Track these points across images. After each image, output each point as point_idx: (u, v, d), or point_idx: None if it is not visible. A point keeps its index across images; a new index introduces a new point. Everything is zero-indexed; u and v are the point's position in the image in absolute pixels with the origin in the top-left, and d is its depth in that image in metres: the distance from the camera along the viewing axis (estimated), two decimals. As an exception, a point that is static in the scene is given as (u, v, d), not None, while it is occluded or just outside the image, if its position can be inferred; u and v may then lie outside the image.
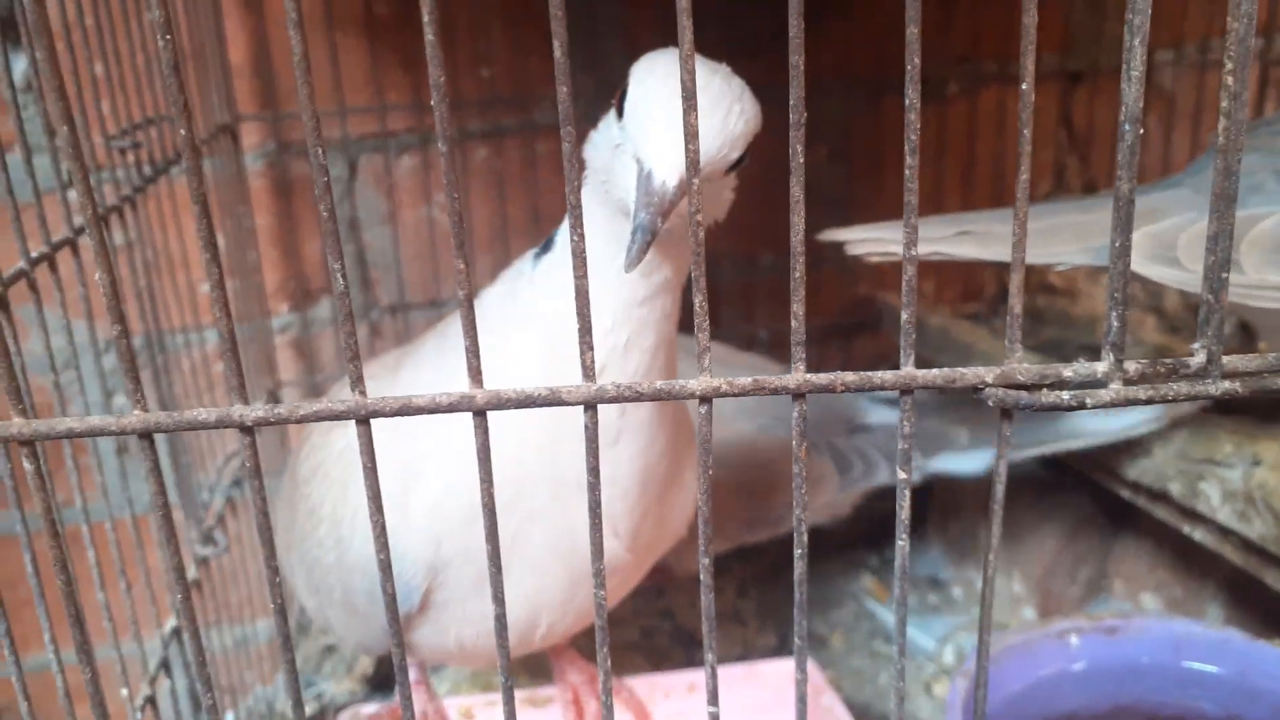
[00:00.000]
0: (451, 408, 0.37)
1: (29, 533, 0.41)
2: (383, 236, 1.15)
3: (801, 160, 0.37)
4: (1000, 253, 0.77)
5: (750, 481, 0.93)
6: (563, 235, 0.60)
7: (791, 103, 0.36)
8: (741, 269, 1.24)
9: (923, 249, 0.79)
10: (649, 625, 1.02)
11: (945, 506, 1.15)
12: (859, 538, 1.17)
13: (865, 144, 1.19)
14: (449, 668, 0.97)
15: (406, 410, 0.37)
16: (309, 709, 1.01)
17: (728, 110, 0.50)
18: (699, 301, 0.38)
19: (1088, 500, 1.05)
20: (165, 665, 0.71)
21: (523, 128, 1.15)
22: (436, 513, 0.60)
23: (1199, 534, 0.83)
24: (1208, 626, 0.72)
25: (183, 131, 0.34)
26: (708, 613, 0.41)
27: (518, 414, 0.42)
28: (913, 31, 0.35)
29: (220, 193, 1.03)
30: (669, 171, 0.48)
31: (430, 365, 0.64)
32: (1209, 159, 0.84)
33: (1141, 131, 0.37)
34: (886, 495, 0.97)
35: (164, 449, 0.84)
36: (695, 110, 0.36)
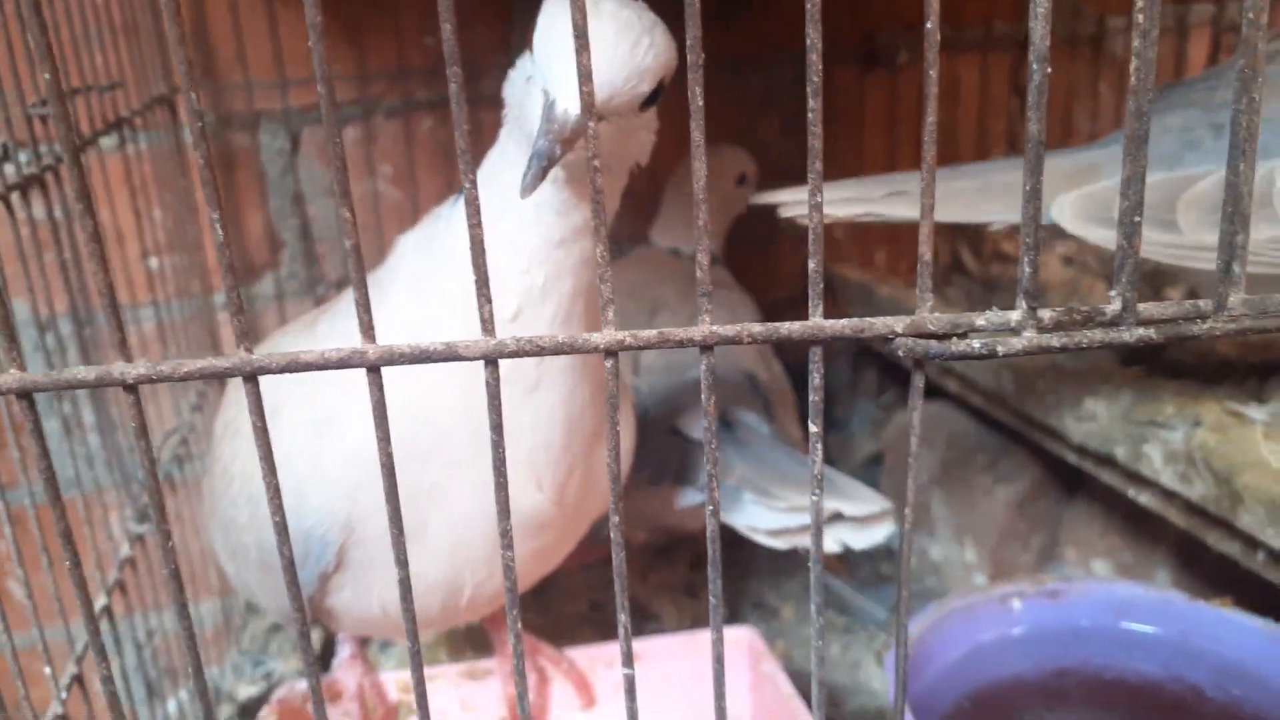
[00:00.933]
0: (342, 363, 0.36)
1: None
2: (327, 209, 1.13)
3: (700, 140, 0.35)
4: (954, 212, 0.77)
5: None
6: (480, 175, 0.59)
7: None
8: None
9: (856, 209, 0.78)
10: (598, 599, 1.01)
11: (899, 479, 1.14)
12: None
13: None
14: (396, 645, 0.96)
15: (294, 366, 0.36)
16: (257, 688, 0.99)
17: (635, 42, 0.49)
18: (600, 251, 0.37)
19: (1040, 468, 1.05)
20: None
21: (470, 98, 1.12)
22: (351, 465, 0.58)
23: (1144, 497, 0.83)
24: (1149, 589, 0.72)
25: (192, 99, 0.32)
26: (619, 571, 0.40)
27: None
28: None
29: (158, 166, 1.00)
30: (571, 99, 0.47)
31: (344, 319, 0.62)
32: None
33: (1048, 70, 0.36)
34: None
35: (92, 424, 0.82)
36: (588, 50, 0.35)
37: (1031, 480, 1.05)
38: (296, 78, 1.07)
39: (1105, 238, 0.71)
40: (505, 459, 0.38)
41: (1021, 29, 1.21)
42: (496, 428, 0.37)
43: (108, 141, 0.87)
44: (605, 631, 0.96)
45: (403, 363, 0.36)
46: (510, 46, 1.12)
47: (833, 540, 0.78)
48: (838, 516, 0.78)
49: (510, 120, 0.57)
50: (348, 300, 0.65)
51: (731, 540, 1.10)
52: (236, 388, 0.67)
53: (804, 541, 0.81)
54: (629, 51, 0.49)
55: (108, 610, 0.72)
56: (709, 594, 0.41)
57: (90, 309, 0.84)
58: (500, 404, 0.37)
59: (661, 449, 0.90)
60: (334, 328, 0.62)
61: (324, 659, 1.00)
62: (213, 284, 1.11)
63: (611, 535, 0.40)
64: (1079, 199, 0.72)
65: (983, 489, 1.06)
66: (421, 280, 0.58)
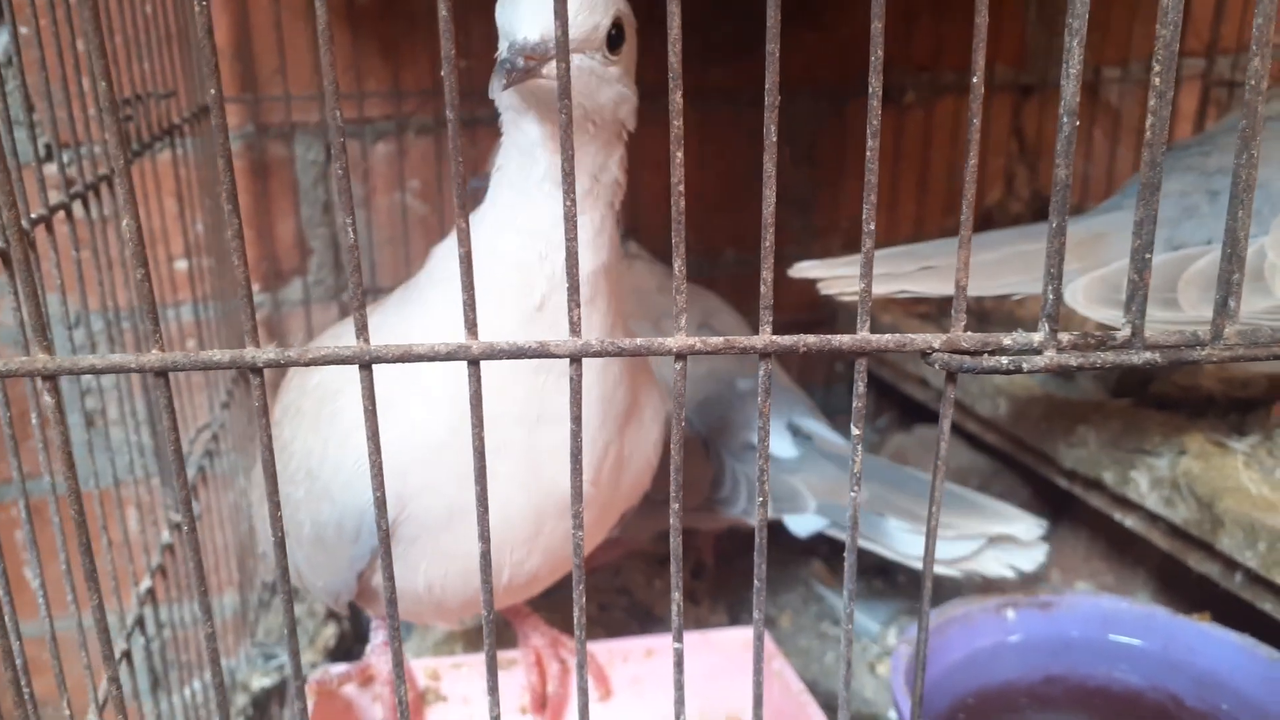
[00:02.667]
0: (450, 356, 0.41)
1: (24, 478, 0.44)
2: (357, 220, 1.17)
3: (774, 137, 0.40)
4: (971, 287, 0.80)
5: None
6: (495, 178, 0.64)
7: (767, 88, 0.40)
8: (706, 265, 1.28)
9: (889, 287, 0.81)
10: (606, 600, 1.06)
11: (894, 497, 1.19)
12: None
13: (830, 148, 1.24)
14: (414, 636, 1.00)
15: (408, 357, 0.40)
16: (272, 679, 1.03)
17: None
18: (677, 265, 0.41)
19: (1028, 492, 1.11)
20: (140, 624, 0.74)
21: (495, 117, 1.17)
22: (403, 445, 0.61)
23: (1130, 520, 0.88)
24: (1134, 603, 0.78)
25: (212, 102, 0.37)
26: (676, 554, 0.45)
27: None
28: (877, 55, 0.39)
29: (200, 172, 1.05)
30: (529, 29, 0.52)
31: (423, 312, 0.66)
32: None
33: (1077, 123, 0.41)
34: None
35: (145, 418, 0.86)
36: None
37: (1020, 503, 1.10)
38: (333, 93, 1.12)
39: (1115, 318, 0.75)
40: (581, 446, 0.42)
41: (1021, 74, 1.27)
42: (577, 419, 0.42)
43: (160, 146, 0.92)
44: (613, 630, 1.00)
45: (501, 358, 0.41)
46: (539, 72, 1.17)
47: (1001, 564, 0.83)
48: (1003, 538, 0.83)
49: (504, 115, 0.62)
50: (409, 300, 0.69)
51: (729, 550, 1.15)
52: (298, 374, 0.71)
53: (978, 567, 0.84)
54: None
55: (151, 593, 0.76)
56: (754, 578, 0.46)
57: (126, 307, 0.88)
58: (580, 398, 0.42)
59: (705, 467, 0.95)
60: (415, 323, 0.66)
61: (341, 655, 1.04)
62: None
63: (671, 522, 0.44)
64: (1090, 283, 0.76)
65: (974, 510, 1.11)
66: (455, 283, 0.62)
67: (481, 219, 0.63)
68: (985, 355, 0.43)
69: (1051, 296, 0.42)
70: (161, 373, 0.40)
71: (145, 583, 0.76)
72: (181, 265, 1.09)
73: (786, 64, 1.22)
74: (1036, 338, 0.43)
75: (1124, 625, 0.77)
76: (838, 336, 0.43)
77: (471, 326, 0.41)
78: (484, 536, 0.43)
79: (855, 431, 0.44)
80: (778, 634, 1.07)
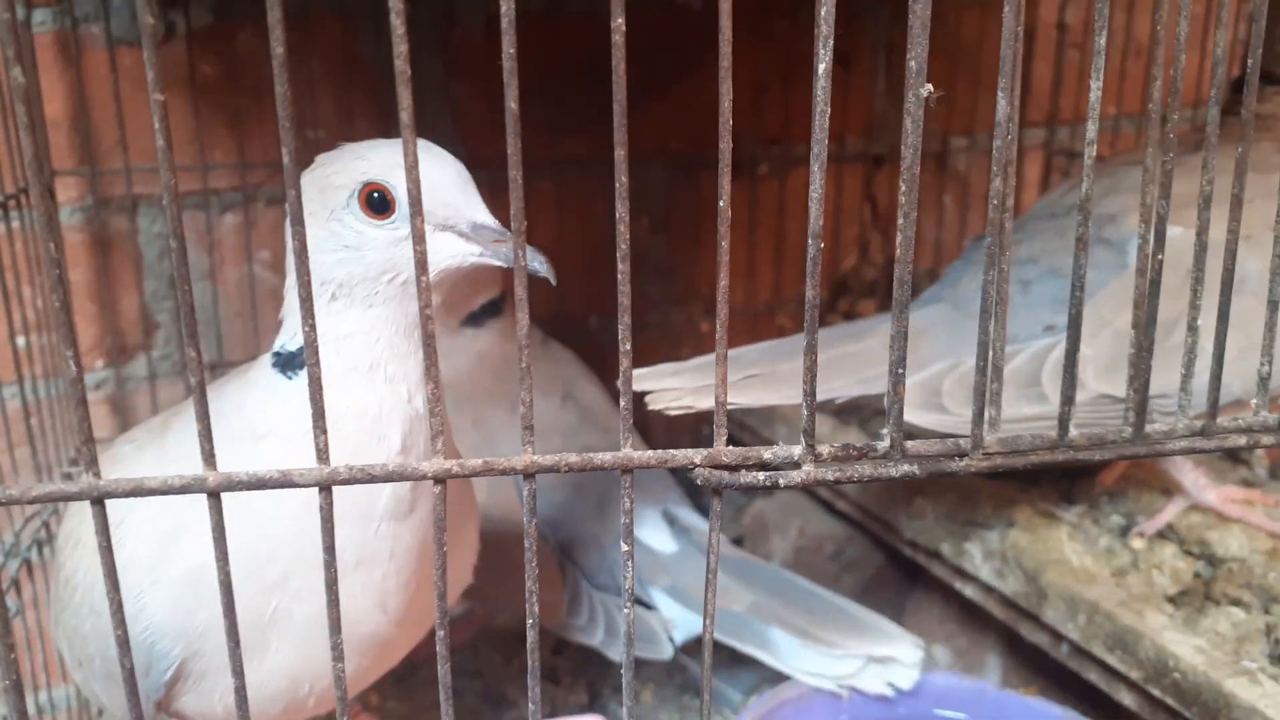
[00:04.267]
0: (185, 489, 0.39)
1: None
2: (204, 293, 1.14)
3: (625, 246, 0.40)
4: (789, 395, 0.80)
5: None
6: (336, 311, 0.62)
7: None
8: (571, 331, 1.28)
9: (709, 401, 0.79)
10: (458, 685, 1.03)
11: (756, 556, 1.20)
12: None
13: (684, 216, 1.25)
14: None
15: (139, 491, 0.39)
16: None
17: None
18: (430, 389, 0.41)
19: (883, 556, 1.12)
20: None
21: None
22: (193, 581, 0.59)
23: (969, 590, 0.90)
24: (963, 678, 0.79)
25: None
26: (443, 681, 0.44)
27: (291, 492, 0.43)
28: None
29: (31, 248, 1.01)
30: (485, 213, 0.60)
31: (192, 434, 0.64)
32: (964, 263, 0.91)
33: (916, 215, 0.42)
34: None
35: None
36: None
37: (875, 567, 1.12)
38: (177, 164, 1.09)
39: (934, 421, 0.76)
40: (336, 578, 0.41)
41: (870, 144, 1.30)
42: (329, 549, 0.41)
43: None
44: (461, 717, 0.98)
45: (241, 489, 0.39)
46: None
47: (882, 682, 0.83)
48: (885, 658, 0.84)
49: (342, 271, 0.59)
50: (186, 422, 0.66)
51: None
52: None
53: (859, 685, 0.84)
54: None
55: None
56: (529, 700, 0.45)
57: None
58: (333, 526, 0.41)
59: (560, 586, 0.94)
60: (182, 441, 0.64)
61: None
62: (82, 364, 1.11)
63: (439, 650, 0.43)
64: (911, 388, 0.77)
65: (831, 575, 1.12)
66: (275, 403, 0.61)
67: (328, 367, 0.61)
68: (744, 470, 0.43)
69: (806, 412, 0.43)
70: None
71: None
72: (22, 343, 1.04)
73: (639, 135, 1.22)
74: (796, 451, 0.44)
75: (953, 700, 0.78)
76: (599, 455, 0.43)
77: (209, 459, 0.39)
78: (236, 672, 0.42)
79: (624, 547, 0.44)
80: (640, 709, 1.06)
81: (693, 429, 1.33)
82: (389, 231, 0.58)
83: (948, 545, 0.88)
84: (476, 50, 1.18)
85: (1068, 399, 0.46)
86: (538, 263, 0.58)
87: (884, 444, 0.44)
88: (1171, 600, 0.79)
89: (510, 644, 1.10)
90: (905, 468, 0.44)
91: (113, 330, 1.13)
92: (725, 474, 0.43)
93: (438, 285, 0.59)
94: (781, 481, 0.43)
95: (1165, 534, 0.85)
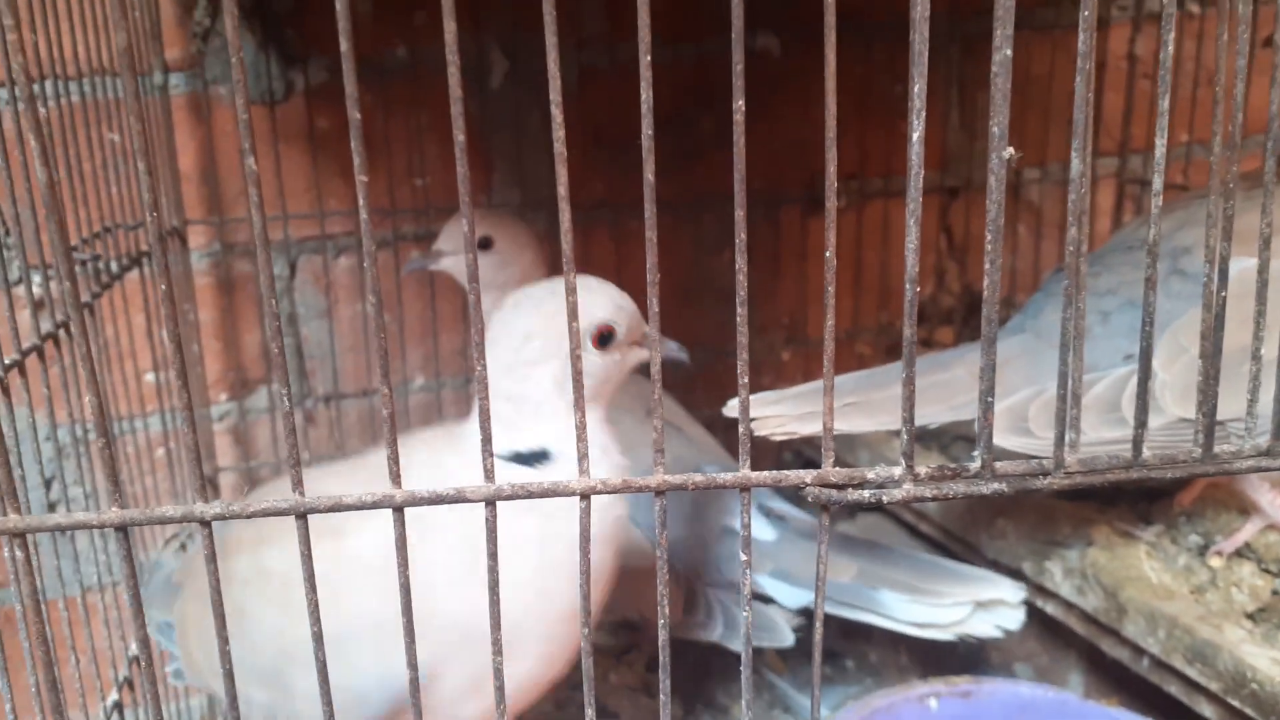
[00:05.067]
0: (375, 505, 0.46)
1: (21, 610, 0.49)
2: (320, 330, 1.23)
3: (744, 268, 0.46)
4: (885, 422, 0.84)
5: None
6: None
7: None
8: (665, 363, 1.35)
9: (815, 427, 0.83)
10: (561, 697, 1.09)
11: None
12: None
13: (763, 249, 1.31)
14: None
15: (339, 507, 0.46)
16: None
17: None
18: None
19: (965, 576, 1.16)
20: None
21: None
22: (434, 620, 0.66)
23: (1050, 607, 0.94)
24: (1048, 689, 0.82)
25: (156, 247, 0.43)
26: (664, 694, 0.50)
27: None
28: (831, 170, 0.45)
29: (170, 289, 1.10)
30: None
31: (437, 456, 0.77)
32: (1044, 295, 0.94)
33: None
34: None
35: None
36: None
37: (958, 588, 1.16)
38: (296, 212, 1.19)
39: (1023, 444, 0.80)
40: (498, 581, 0.48)
41: (945, 176, 1.35)
42: (493, 555, 0.47)
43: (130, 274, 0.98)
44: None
45: (422, 504, 0.46)
46: (491, 189, 1.24)
47: (990, 626, 0.90)
48: (991, 602, 0.90)
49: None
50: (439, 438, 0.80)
51: (681, 645, 1.19)
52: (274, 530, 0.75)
53: (970, 630, 0.91)
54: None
55: (119, 706, 0.80)
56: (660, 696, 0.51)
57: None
58: (496, 534, 0.47)
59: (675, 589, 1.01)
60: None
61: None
62: (208, 396, 1.20)
63: (660, 667, 0.49)
64: (999, 414, 0.81)
65: (914, 595, 1.16)
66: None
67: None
68: (851, 489, 0.49)
69: (906, 437, 0.48)
70: (121, 528, 0.46)
71: (113, 695, 0.80)
72: (150, 378, 1.14)
73: (721, 174, 1.29)
74: (897, 472, 0.49)
75: (1039, 712, 0.82)
76: (722, 475, 0.49)
77: (396, 478, 0.46)
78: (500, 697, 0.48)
79: (744, 557, 0.50)
80: (731, 723, 1.11)
81: (773, 450, 1.39)
82: (609, 359, 0.75)
83: (1029, 564, 0.92)
84: (569, 100, 1.25)
85: (1140, 422, 0.51)
86: (678, 352, 0.79)
87: (975, 464, 0.50)
88: (1250, 617, 0.82)
89: (608, 661, 1.16)
90: (995, 485, 0.49)
91: (236, 366, 1.22)
92: (834, 492, 0.49)
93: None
94: (885, 498, 0.48)
95: (1243, 553, 0.88)
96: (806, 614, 1.02)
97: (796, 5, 1.22)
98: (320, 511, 0.46)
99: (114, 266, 0.93)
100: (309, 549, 0.46)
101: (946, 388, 0.87)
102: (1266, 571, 0.86)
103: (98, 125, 0.93)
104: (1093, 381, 0.83)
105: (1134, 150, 1.37)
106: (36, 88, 0.85)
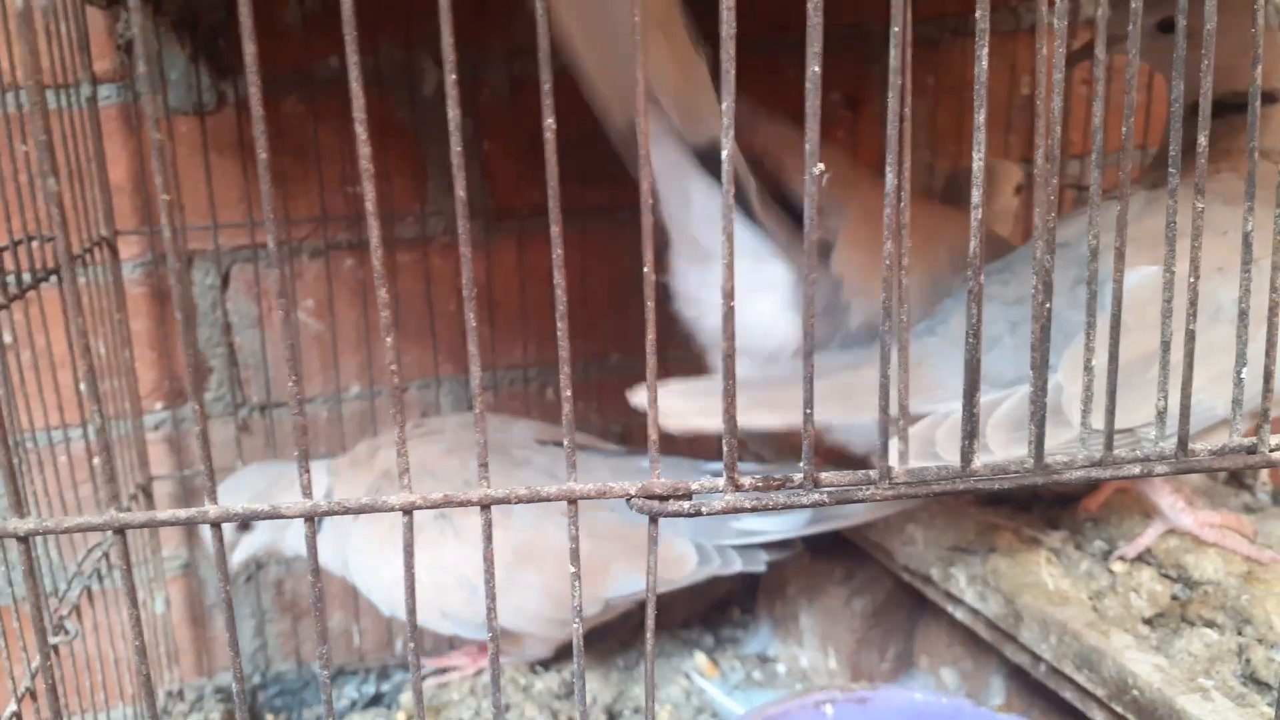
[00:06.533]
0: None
1: None
2: (253, 339, 1.24)
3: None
4: (790, 418, 0.81)
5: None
6: None
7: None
8: (593, 367, 1.35)
9: (716, 422, 0.83)
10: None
11: (771, 588, 1.25)
12: (695, 617, 1.27)
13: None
14: None
15: (348, 510, 0.46)
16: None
17: None
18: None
19: (892, 581, 1.16)
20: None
21: (387, 241, 1.25)
22: None
23: (959, 613, 0.94)
24: (942, 695, 0.83)
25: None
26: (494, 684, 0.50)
27: None
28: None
29: (97, 300, 1.11)
30: None
31: None
32: (954, 301, 0.93)
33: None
34: (718, 578, 1.07)
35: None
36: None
37: (885, 591, 1.16)
38: (227, 221, 1.19)
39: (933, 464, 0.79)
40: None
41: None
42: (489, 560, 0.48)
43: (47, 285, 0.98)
44: None
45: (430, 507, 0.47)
46: (425, 198, 1.25)
47: None
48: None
49: None
50: None
51: (616, 646, 1.20)
52: None
53: None
54: None
55: (16, 716, 0.80)
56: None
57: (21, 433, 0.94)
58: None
59: None
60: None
61: None
62: (142, 406, 1.21)
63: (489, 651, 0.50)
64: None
65: (842, 600, 1.17)
66: None
67: None
68: (673, 500, 0.49)
69: (727, 448, 0.49)
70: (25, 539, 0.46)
71: (11, 707, 0.81)
72: (84, 387, 1.15)
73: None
74: (720, 482, 0.50)
75: (933, 717, 0.82)
76: (546, 488, 0.49)
77: (306, 490, 0.47)
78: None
79: (573, 569, 0.50)
80: (658, 729, 1.12)
81: (716, 444, 1.39)
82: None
83: (936, 569, 0.93)
84: (504, 109, 1.26)
85: (969, 434, 0.51)
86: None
87: (799, 475, 0.50)
88: (1148, 622, 0.82)
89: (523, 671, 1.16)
90: (816, 495, 0.50)
91: (170, 375, 1.23)
92: (656, 503, 0.49)
93: None
94: (704, 509, 0.49)
95: (1145, 558, 0.88)
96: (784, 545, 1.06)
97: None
98: (333, 514, 0.46)
99: (26, 278, 0.94)
100: (314, 549, 0.47)
101: (850, 389, 0.86)
102: (1166, 576, 0.86)
103: (16, 138, 0.94)
104: (1001, 398, 0.82)
105: (1072, 155, 1.38)
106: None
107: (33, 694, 0.84)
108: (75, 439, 1.13)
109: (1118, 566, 0.88)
